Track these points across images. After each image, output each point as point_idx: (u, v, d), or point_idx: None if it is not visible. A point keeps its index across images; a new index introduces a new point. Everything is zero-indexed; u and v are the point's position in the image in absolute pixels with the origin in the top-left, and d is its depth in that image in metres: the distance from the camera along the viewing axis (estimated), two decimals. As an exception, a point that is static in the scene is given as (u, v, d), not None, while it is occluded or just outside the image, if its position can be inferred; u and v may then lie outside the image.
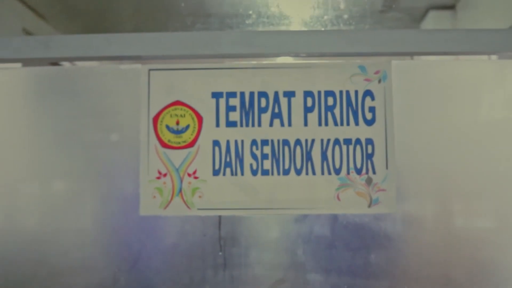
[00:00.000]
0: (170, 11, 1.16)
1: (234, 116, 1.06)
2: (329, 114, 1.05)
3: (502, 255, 1.01)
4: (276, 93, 1.06)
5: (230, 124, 1.06)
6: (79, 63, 1.15)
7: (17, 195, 1.08)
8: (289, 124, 1.05)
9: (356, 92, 1.05)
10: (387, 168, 1.03)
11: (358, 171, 1.03)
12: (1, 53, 1.14)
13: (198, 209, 1.04)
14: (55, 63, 1.15)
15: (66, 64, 1.19)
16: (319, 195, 1.03)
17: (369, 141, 1.04)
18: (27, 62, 1.16)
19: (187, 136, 1.06)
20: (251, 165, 1.04)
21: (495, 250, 1.01)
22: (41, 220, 1.07)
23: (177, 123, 1.06)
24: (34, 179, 1.08)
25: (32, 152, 1.09)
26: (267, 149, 1.05)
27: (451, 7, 2.53)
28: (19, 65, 1.19)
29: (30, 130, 1.10)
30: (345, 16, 1.30)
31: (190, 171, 1.05)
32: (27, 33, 1.97)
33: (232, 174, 1.05)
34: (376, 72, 1.05)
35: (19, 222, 1.07)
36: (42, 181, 1.08)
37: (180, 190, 1.05)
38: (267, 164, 1.04)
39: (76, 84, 1.10)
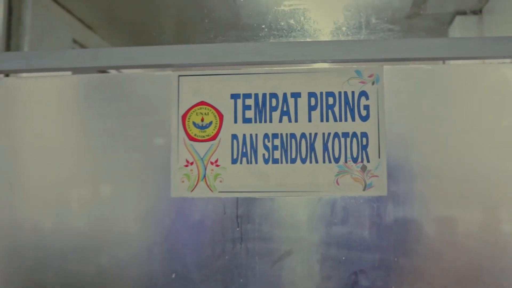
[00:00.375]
0: (197, 26, 1.36)
1: (249, 114, 1.25)
2: (329, 111, 1.23)
3: (479, 229, 1.17)
4: (284, 94, 1.25)
5: (246, 120, 1.25)
6: (122, 71, 1.37)
7: (71, 186, 1.30)
8: (296, 120, 1.24)
9: (353, 92, 1.23)
10: (379, 157, 1.21)
11: (354, 160, 1.21)
12: (55, 63, 1.37)
13: (219, 191, 1.24)
14: (102, 70, 1.37)
15: (112, 71, 1.41)
16: (321, 180, 1.22)
17: (364, 134, 1.22)
18: (76, 70, 1.38)
19: (210, 131, 1.26)
20: (263, 155, 1.24)
21: (473, 227, 1.17)
22: (93, 203, 1.29)
23: (202, 120, 1.27)
24: (85, 166, 1.30)
25: (83, 147, 1.31)
26: (277, 142, 1.24)
27: (477, 12, 2.65)
28: (69, 73, 1.42)
29: (79, 130, 1.33)
30: (372, 23, 1.46)
31: (213, 160, 1.25)
32: (76, 42, 2.20)
33: (247, 163, 1.24)
34: (370, 76, 1.23)
35: (74, 208, 1.30)
36: (93, 170, 1.30)
37: (204, 176, 1.25)
38: (277, 154, 1.24)
39: (119, 89, 1.32)
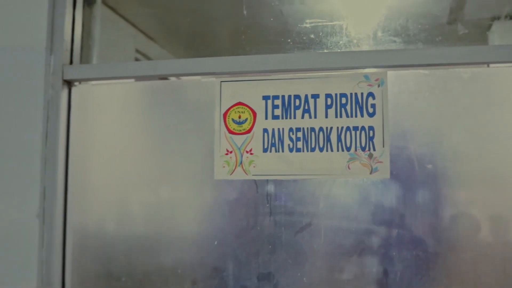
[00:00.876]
0: (238, 39, 1.67)
1: (277, 112, 1.54)
2: (342, 109, 1.51)
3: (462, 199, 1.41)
4: (306, 96, 1.53)
5: (275, 117, 1.54)
6: (176, 78, 1.69)
7: (135, 171, 1.63)
8: (315, 117, 1.52)
9: (362, 94, 1.50)
10: (383, 146, 1.47)
11: (363, 149, 1.48)
12: (120, 72, 1.70)
13: (253, 175, 1.54)
14: (162, 78, 1.69)
15: (171, 78, 1.73)
16: (335, 165, 1.49)
17: (371, 128, 1.48)
18: (138, 78, 1.71)
19: (246, 126, 1.56)
20: (288, 145, 1.52)
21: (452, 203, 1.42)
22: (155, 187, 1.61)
23: (239, 117, 1.57)
24: (145, 154, 1.63)
25: (143, 139, 1.64)
26: (299, 134, 1.52)
27: (514, 17, 2.81)
28: (132, 80, 1.74)
29: (140, 126, 1.65)
30: (410, 30, 1.69)
31: (248, 149, 1.55)
32: (139, 52, 2.55)
33: (276, 151, 1.53)
34: (376, 80, 1.50)
35: (139, 190, 1.62)
36: (151, 156, 1.62)
37: (241, 162, 1.55)
38: (299, 144, 1.52)
39: (174, 93, 1.64)
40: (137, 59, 2.15)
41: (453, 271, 1.40)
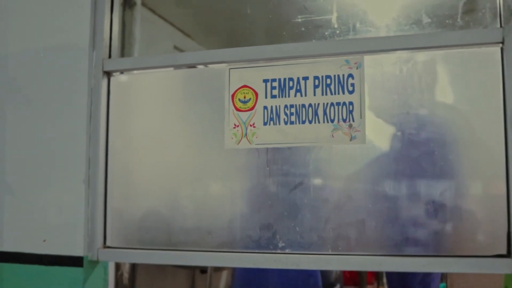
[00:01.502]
0: (259, 31, 2.04)
1: (275, 92, 1.88)
2: (327, 88, 1.83)
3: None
4: (298, 78, 1.86)
5: (273, 96, 1.88)
6: (198, 66, 2.05)
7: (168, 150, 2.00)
8: (305, 95, 1.84)
9: (343, 75, 1.82)
10: (360, 118, 1.78)
11: (344, 120, 1.80)
12: (149, 63, 2.07)
13: (255, 144, 1.87)
14: (191, 66, 2.02)
15: (200, 66, 2.09)
16: (322, 135, 1.81)
17: (351, 103, 1.80)
18: (171, 67, 2.07)
19: (250, 104, 1.90)
20: (284, 119, 1.85)
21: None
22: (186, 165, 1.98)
23: (244, 97, 1.91)
24: (172, 130, 1.99)
25: (170, 118, 2.00)
26: (293, 110, 1.85)
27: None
28: (171, 68, 2.09)
29: (166, 108, 2.02)
30: (425, 20, 1.96)
31: (251, 123, 1.89)
32: (177, 48, 2.91)
33: (273, 124, 1.86)
34: (355, 63, 1.81)
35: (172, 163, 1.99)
36: (176, 134, 1.99)
37: (246, 134, 1.89)
38: (293, 118, 1.85)
39: (196, 78, 2.00)
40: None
41: (412, 219, 1.71)
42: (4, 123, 2.14)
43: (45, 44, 2.13)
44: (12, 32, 2.17)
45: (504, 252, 1.63)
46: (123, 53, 2.19)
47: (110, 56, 2.14)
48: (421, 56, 1.77)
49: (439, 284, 3.04)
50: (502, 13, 1.72)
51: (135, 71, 2.11)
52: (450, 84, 1.73)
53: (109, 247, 2.06)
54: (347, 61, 1.82)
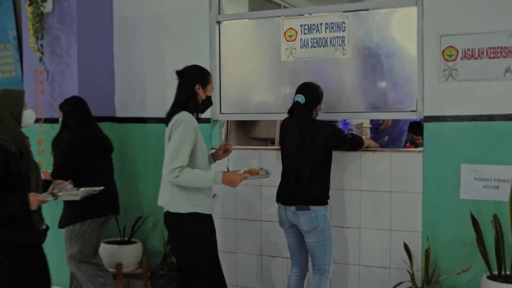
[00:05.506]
0: None
1: (306, 31, 3.76)
2: (331, 29, 3.68)
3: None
4: (316, 24, 3.72)
5: (304, 34, 3.76)
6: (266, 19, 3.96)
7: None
8: (319, 32, 3.72)
9: (340, 22, 3.66)
10: (348, 44, 3.64)
11: (340, 45, 3.67)
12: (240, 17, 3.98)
13: (296, 58, 3.78)
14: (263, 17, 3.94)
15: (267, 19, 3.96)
16: (328, 53, 3.70)
17: (343, 37, 3.66)
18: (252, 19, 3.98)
19: (293, 38, 3.79)
20: (310, 45, 3.74)
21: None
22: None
23: (290, 35, 3.80)
24: (257, 56, 3.94)
25: (254, 49, 3.95)
26: (314, 41, 3.73)
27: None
28: (246, 19, 4.01)
29: (252, 44, 3.96)
30: None
31: (294, 47, 3.78)
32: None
33: (305, 48, 3.75)
34: (346, 17, 3.65)
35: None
36: (260, 59, 3.93)
37: (291, 53, 3.79)
38: (314, 44, 3.73)
39: (264, 25, 3.92)
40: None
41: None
42: (162, 52, 4.12)
43: (181, 5, 4.05)
44: None
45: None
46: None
47: (219, 13, 4.05)
48: (377, 14, 3.59)
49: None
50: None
51: (232, 20, 4.03)
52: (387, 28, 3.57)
53: (222, 113, 4.08)
54: (341, 15, 3.66)
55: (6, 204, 2.51)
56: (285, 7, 5.31)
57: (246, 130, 5.25)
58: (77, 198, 2.80)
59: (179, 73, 2.91)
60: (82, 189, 2.84)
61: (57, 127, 3.76)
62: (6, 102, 2.67)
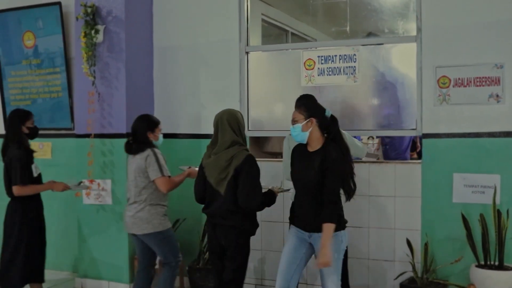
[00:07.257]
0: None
1: (322, 61, 4.45)
2: (344, 60, 4.38)
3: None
4: (332, 55, 4.42)
5: (321, 63, 4.46)
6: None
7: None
8: (334, 62, 4.41)
9: (351, 54, 4.36)
10: (359, 72, 4.34)
11: (351, 74, 4.36)
12: (266, 48, 4.68)
13: (314, 84, 4.47)
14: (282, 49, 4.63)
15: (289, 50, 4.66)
16: (341, 81, 4.39)
17: (354, 67, 4.36)
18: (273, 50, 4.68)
19: (311, 67, 4.48)
20: (325, 73, 4.43)
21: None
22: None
23: (309, 64, 4.49)
24: (273, 76, 4.64)
25: (275, 76, 4.65)
26: (329, 70, 4.42)
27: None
28: (268, 52, 4.71)
29: (274, 71, 4.66)
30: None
31: (312, 75, 4.47)
32: (264, 15, 5.50)
33: (322, 76, 4.45)
34: (356, 50, 4.35)
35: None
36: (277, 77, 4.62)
37: (310, 80, 4.48)
38: (329, 73, 4.43)
39: (286, 56, 4.62)
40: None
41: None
42: (198, 77, 4.80)
43: (214, 38, 4.74)
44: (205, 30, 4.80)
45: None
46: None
47: (247, 44, 4.74)
48: (383, 48, 4.30)
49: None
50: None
51: (259, 51, 4.73)
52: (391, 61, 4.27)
53: (250, 130, 4.75)
54: (353, 48, 4.36)
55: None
56: (299, 36, 6.05)
57: (260, 145, 5.92)
58: None
59: None
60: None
61: (106, 141, 4.49)
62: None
